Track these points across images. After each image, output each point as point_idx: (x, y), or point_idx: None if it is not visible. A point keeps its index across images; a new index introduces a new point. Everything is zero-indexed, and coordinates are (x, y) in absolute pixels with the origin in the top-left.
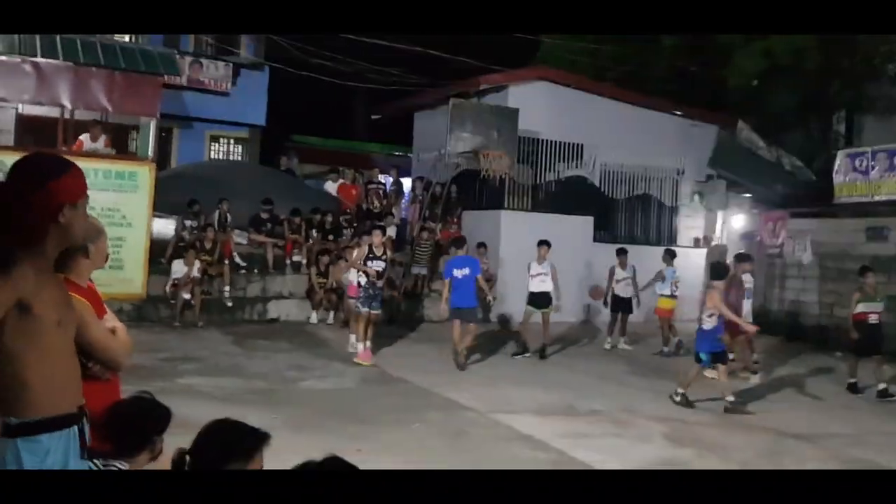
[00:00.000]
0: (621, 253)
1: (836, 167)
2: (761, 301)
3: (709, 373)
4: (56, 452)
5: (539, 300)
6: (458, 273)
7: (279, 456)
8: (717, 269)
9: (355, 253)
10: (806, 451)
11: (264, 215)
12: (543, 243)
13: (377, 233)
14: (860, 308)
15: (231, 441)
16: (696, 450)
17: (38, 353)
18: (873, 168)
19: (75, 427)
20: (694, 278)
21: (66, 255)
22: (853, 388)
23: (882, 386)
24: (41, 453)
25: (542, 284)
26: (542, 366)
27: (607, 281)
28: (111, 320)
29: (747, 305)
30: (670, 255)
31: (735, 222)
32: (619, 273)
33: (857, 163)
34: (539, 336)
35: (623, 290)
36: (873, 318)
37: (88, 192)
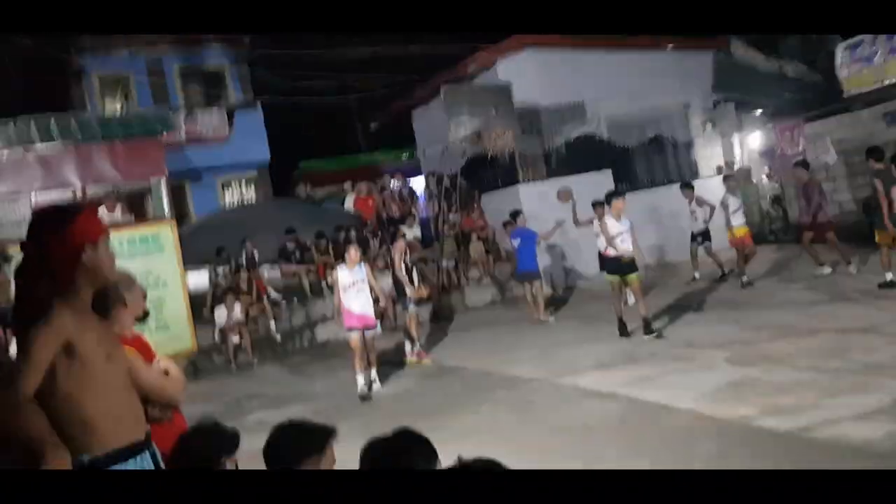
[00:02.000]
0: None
1: (838, 62)
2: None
3: None
4: None
5: (619, 265)
6: (514, 243)
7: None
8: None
9: (396, 259)
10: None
11: (290, 245)
12: (617, 195)
13: (398, 245)
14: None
15: (301, 439)
16: (762, 366)
17: (92, 390)
18: (876, 53)
19: (146, 452)
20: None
21: (105, 306)
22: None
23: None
24: None
25: (623, 245)
26: (597, 325)
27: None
28: (162, 361)
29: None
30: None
31: (752, 141)
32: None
33: (857, 52)
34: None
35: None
36: None
37: (109, 232)
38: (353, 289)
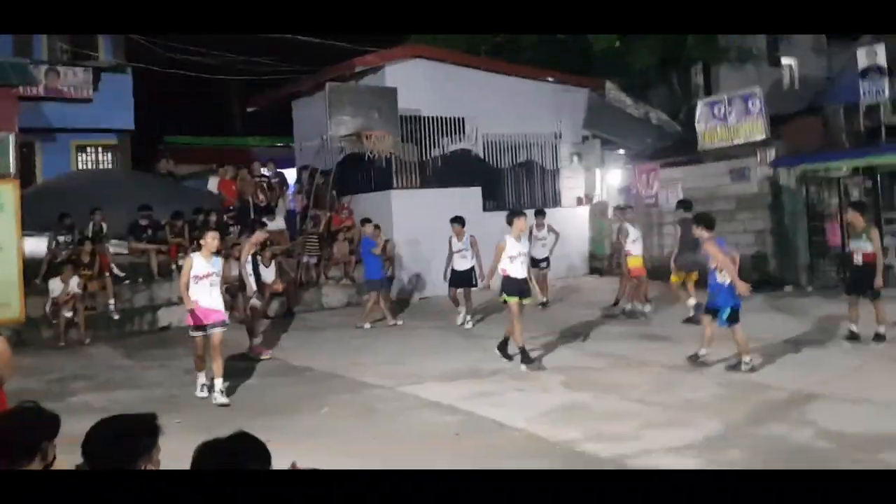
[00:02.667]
0: (456, 221)
1: (697, 116)
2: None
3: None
4: None
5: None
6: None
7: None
8: (706, 219)
9: (245, 250)
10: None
11: (143, 222)
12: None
13: (254, 237)
14: (850, 246)
15: (123, 438)
16: (594, 392)
17: None
18: (730, 114)
19: None
20: (577, 237)
21: None
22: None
23: (853, 328)
24: None
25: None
26: (446, 335)
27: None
28: None
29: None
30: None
31: (612, 178)
32: (456, 244)
33: (715, 110)
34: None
35: (460, 263)
36: (857, 259)
37: None
38: (206, 280)
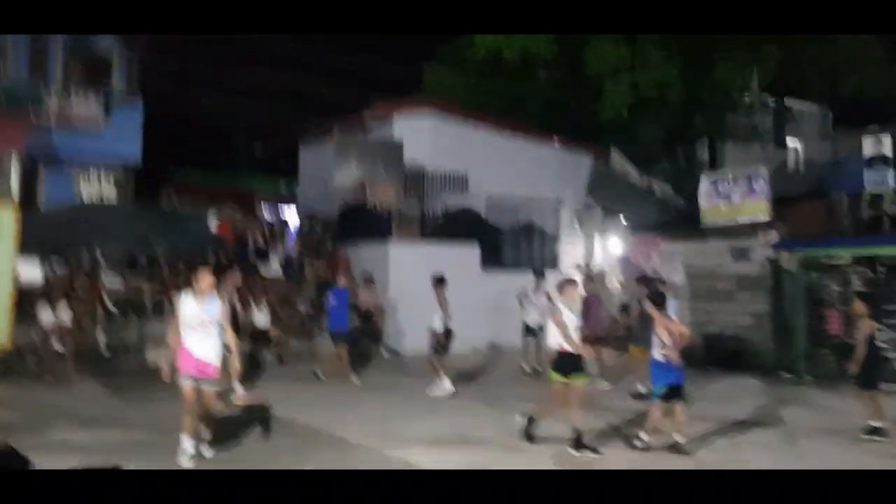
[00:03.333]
0: (439, 283)
1: (700, 192)
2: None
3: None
4: None
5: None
6: (331, 301)
7: None
8: (656, 296)
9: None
10: None
11: (141, 257)
12: (570, 282)
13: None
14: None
15: None
16: (585, 466)
17: None
18: (734, 192)
19: None
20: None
21: None
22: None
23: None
24: None
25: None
26: (425, 396)
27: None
28: None
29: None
30: (542, 276)
31: (612, 247)
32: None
33: (719, 187)
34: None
35: (438, 324)
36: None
37: None
38: (199, 326)
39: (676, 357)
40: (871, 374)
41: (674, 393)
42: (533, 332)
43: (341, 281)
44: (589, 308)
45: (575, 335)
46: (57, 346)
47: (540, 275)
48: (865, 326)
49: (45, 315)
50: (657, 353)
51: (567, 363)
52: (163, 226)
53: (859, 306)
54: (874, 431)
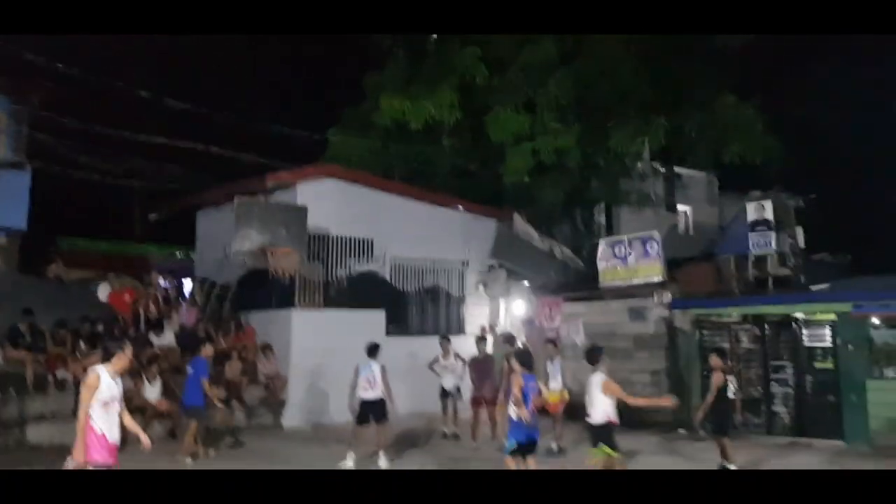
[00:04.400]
0: (373, 351)
1: (599, 254)
2: (543, 383)
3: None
4: None
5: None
6: (189, 370)
7: None
8: (520, 355)
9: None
10: None
11: (23, 327)
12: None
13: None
14: None
15: None
16: None
17: None
18: (630, 254)
19: None
20: None
21: None
22: None
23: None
24: None
25: (369, 392)
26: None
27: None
28: None
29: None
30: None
31: (516, 309)
32: (363, 370)
33: (616, 250)
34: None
35: (367, 392)
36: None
37: None
38: (114, 406)
39: (527, 415)
40: (722, 422)
41: (525, 449)
42: (449, 395)
43: (205, 350)
44: (484, 370)
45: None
46: None
47: (446, 339)
48: (717, 378)
49: None
50: (511, 411)
51: (609, 435)
52: (49, 294)
53: (714, 359)
54: None
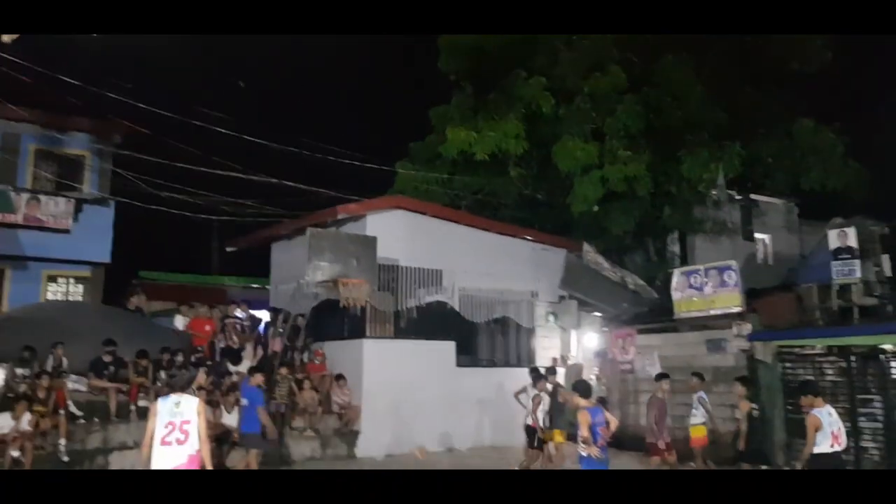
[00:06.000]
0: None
1: (673, 284)
2: (619, 416)
3: None
4: None
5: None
6: (244, 401)
7: None
8: (581, 387)
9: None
10: None
11: (106, 358)
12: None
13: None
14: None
15: None
16: None
17: None
18: (706, 284)
19: None
20: None
21: None
22: None
23: None
24: None
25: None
26: None
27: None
28: None
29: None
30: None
31: (588, 340)
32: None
33: (691, 280)
34: None
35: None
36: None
37: None
38: (173, 435)
39: (597, 452)
40: (757, 449)
41: None
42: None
43: (254, 378)
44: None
45: None
46: (14, 454)
47: (537, 373)
48: (744, 406)
49: (4, 421)
50: (580, 448)
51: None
52: (130, 325)
53: (739, 388)
54: None
